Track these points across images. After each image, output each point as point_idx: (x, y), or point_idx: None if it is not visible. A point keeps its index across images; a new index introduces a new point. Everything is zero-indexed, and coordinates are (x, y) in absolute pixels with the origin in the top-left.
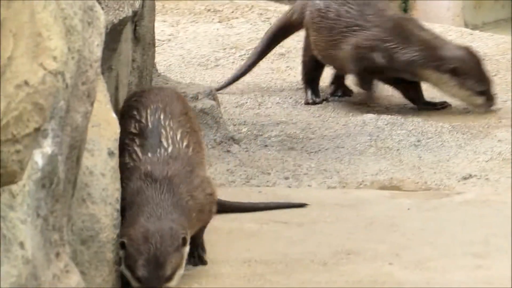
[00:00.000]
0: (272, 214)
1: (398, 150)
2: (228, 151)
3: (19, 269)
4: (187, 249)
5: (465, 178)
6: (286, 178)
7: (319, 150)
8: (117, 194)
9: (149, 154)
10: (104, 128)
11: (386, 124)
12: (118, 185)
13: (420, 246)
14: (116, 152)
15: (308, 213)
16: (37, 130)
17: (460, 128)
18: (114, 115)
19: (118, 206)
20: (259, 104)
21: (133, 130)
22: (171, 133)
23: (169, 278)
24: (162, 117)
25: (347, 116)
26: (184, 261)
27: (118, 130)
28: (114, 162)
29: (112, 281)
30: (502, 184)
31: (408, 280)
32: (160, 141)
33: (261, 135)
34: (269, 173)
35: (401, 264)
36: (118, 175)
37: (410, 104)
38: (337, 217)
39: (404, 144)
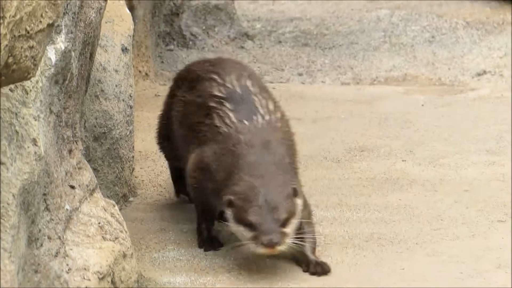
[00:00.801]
0: (286, 110)
1: (412, 46)
2: (242, 47)
3: (32, 166)
4: (299, 201)
5: (479, 74)
6: (300, 75)
7: (333, 46)
8: (130, 91)
9: (246, 121)
10: (118, 24)
11: (400, 20)
12: (131, 81)
13: (434, 142)
14: (130, 48)
15: (322, 110)
16: (50, 25)
17: (475, 24)
18: (127, 11)
19: (131, 103)
20: (273, 0)
21: (218, 93)
22: (263, 101)
23: (284, 223)
24: (249, 84)
25: (361, 12)
26: (298, 212)
27: (132, 27)
28: (128, 58)
29: (124, 178)
30: None
31: (421, 176)
32: (256, 108)
33: (275, 31)
34: (283, 70)
35: (414, 160)
36: (131, 71)
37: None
38: (351, 114)
39: (418, 40)
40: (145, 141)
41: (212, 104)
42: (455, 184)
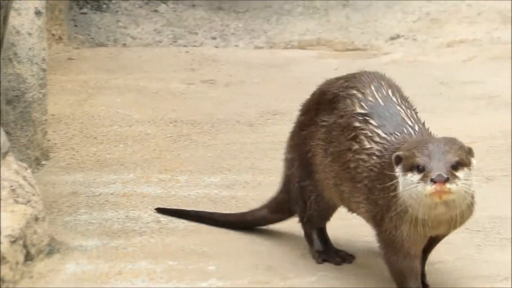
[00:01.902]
0: (200, 73)
1: (325, 9)
2: (156, 10)
3: None
4: (474, 162)
5: (392, 38)
6: (214, 38)
7: (247, 10)
8: (44, 54)
9: (397, 135)
10: None
11: None
12: (44, 44)
13: None
14: (43, 11)
15: (235, 74)
16: None
17: None
18: None
19: (44, 66)
20: None
21: (360, 110)
22: (408, 111)
23: (455, 166)
24: (390, 92)
25: None
26: (472, 165)
27: None
28: (41, 21)
29: (37, 141)
30: (429, 44)
31: None
32: (403, 119)
33: None
34: (196, 33)
35: None
36: (44, 34)
37: None
38: (264, 78)
39: (332, 4)
40: (57, 104)
41: (356, 124)
42: None
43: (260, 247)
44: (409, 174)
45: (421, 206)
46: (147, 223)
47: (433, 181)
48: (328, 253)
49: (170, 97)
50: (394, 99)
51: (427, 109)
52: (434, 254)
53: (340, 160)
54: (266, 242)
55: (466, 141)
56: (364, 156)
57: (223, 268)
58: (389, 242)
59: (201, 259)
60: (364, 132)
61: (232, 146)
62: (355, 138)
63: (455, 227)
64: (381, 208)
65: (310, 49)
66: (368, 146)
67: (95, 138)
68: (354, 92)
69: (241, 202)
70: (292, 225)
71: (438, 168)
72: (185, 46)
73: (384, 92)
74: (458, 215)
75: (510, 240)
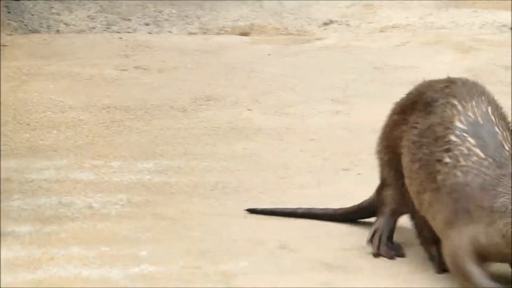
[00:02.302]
0: (133, 59)
1: None
2: None
3: None
4: None
5: (326, 24)
6: (147, 25)
7: None
8: None
9: (495, 158)
10: None
11: None
12: None
13: (280, 91)
14: None
15: (168, 59)
16: None
17: None
18: None
19: None
20: None
21: (459, 124)
22: (505, 133)
23: None
24: (490, 112)
25: None
26: None
27: None
28: None
29: None
30: (362, 30)
31: (267, 125)
32: (501, 142)
33: None
34: (129, 20)
35: (260, 109)
36: None
37: None
38: (198, 63)
39: None
40: None
41: (453, 138)
42: (301, 133)
43: (193, 232)
44: None
45: None
46: (80, 209)
47: None
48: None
49: (104, 83)
50: (493, 118)
51: (360, 95)
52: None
53: (428, 169)
54: (200, 228)
55: None
56: (458, 172)
57: (155, 254)
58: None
59: (133, 244)
60: (460, 148)
61: (166, 131)
62: (448, 151)
63: None
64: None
65: (244, 35)
66: (464, 163)
67: (28, 124)
68: (455, 102)
69: (175, 187)
70: (225, 211)
71: None
72: (118, 32)
73: (484, 109)
74: None
75: None
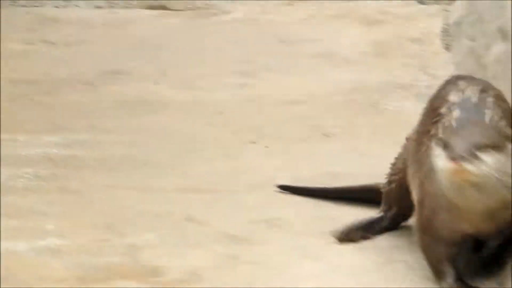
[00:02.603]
0: (40, 33)
1: None
2: None
3: None
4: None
5: None
6: None
7: None
8: None
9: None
10: None
11: None
12: None
13: (187, 65)
14: None
15: (75, 33)
16: None
17: None
18: None
19: None
20: None
21: (453, 98)
22: (495, 117)
23: (480, 147)
24: (489, 100)
25: None
26: (507, 159)
27: None
28: None
29: None
30: (269, 3)
31: (175, 98)
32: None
33: None
34: None
35: (168, 83)
36: None
37: None
38: (105, 38)
39: None
40: None
41: (443, 110)
42: (208, 106)
43: (100, 205)
44: (441, 154)
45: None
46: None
47: (451, 158)
48: None
49: (9, 57)
50: (489, 103)
51: (267, 68)
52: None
53: (418, 142)
54: (107, 201)
55: (305, 99)
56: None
57: (62, 227)
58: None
59: (40, 218)
60: (443, 120)
61: (72, 106)
62: (435, 123)
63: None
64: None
65: (151, 8)
66: (440, 136)
67: None
68: (460, 82)
69: (81, 161)
70: (132, 184)
71: (456, 146)
72: (24, 6)
73: (485, 95)
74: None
75: None
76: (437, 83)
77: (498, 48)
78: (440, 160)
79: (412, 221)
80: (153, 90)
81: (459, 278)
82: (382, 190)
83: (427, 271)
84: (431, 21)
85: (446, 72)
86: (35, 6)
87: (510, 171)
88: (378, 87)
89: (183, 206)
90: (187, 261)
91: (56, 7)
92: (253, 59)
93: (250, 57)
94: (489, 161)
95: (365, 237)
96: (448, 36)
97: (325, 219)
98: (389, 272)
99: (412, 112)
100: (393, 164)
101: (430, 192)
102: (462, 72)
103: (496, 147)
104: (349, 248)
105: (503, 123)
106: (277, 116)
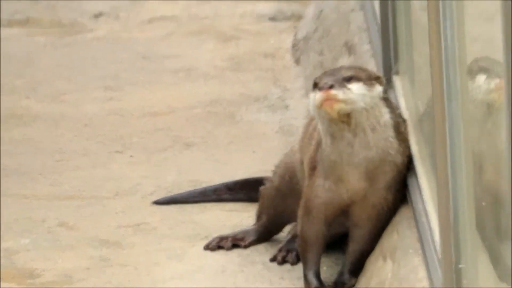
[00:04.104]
0: None
1: None
2: None
3: None
4: (379, 88)
5: (96, 16)
6: None
7: None
8: None
9: None
10: None
11: None
12: None
13: (56, 80)
14: None
15: None
16: None
17: None
18: None
19: None
20: None
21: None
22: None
23: (348, 79)
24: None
25: None
26: (374, 92)
27: None
28: None
29: None
30: (131, 21)
31: (43, 112)
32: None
33: None
34: None
35: (37, 97)
36: None
37: None
38: None
39: None
40: None
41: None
42: (76, 119)
43: (32, 214)
44: (311, 94)
45: (322, 124)
46: None
47: (320, 89)
48: None
49: None
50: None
51: (130, 82)
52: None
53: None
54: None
55: (167, 111)
56: None
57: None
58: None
59: None
60: None
61: None
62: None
63: (374, 186)
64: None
65: (20, 27)
66: None
67: None
68: None
69: None
70: (6, 192)
71: (327, 79)
72: None
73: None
74: (375, 159)
75: None
76: (288, 95)
77: (344, 61)
78: (312, 98)
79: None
80: (23, 104)
81: (318, 274)
82: (260, 189)
83: (284, 272)
84: (282, 37)
85: (296, 84)
86: None
87: (381, 108)
88: (234, 100)
89: (55, 212)
90: (60, 263)
91: None
92: (117, 74)
93: (115, 73)
94: (354, 89)
95: (235, 246)
96: (298, 51)
97: (188, 223)
98: (250, 272)
99: (265, 122)
100: (277, 166)
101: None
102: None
103: (360, 79)
104: (212, 251)
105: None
106: (141, 127)
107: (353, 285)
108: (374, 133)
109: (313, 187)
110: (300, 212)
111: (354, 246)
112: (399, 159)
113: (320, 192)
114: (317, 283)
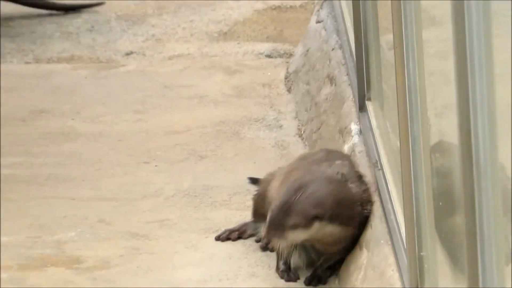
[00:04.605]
0: None
1: (77, 33)
2: None
3: None
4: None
5: (127, 54)
6: None
7: (18, 35)
8: None
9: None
10: None
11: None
12: None
13: (95, 105)
14: None
15: (11, 83)
16: None
17: (123, 16)
18: None
19: None
20: None
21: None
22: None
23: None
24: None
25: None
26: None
27: None
28: None
29: None
30: (155, 58)
31: (87, 131)
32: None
33: None
34: None
35: (81, 119)
36: None
37: None
38: (32, 85)
39: (81, 29)
40: None
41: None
42: (111, 136)
43: (33, 211)
44: None
45: None
46: None
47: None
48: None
49: None
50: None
51: (154, 107)
52: (162, 215)
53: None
54: (38, 208)
55: (184, 130)
56: None
57: (6, 228)
58: None
59: None
60: None
61: (10, 137)
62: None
63: None
64: None
65: (66, 63)
66: None
67: None
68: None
69: (18, 178)
70: (57, 194)
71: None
72: None
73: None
74: None
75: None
76: (282, 117)
77: (327, 90)
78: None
79: None
80: (70, 124)
81: (288, 267)
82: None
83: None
84: (277, 70)
85: (288, 108)
86: None
87: None
88: (238, 120)
89: (95, 211)
90: (100, 252)
91: None
92: (144, 100)
93: (142, 99)
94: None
95: (240, 238)
96: (289, 81)
97: (202, 219)
98: (252, 259)
99: (263, 138)
100: (260, 182)
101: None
102: (301, 108)
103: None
104: (221, 242)
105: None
106: (163, 143)
107: (327, 278)
108: None
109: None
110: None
111: (326, 257)
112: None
113: None
114: (284, 268)
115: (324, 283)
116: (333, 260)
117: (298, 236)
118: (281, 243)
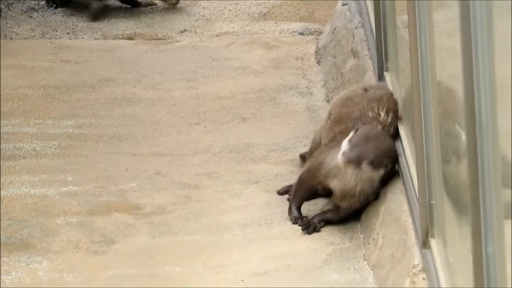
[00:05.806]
0: (60, 56)
1: (138, 13)
2: (31, 16)
3: None
4: None
5: (181, 32)
6: (68, 33)
7: (89, 15)
8: None
9: None
10: None
11: None
12: None
13: (154, 75)
14: None
15: (82, 56)
16: None
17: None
18: None
19: None
20: None
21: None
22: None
23: None
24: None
25: None
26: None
27: None
28: None
29: None
30: (205, 35)
31: (146, 96)
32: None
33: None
34: (57, 30)
35: (141, 86)
36: None
37: None
38: (100, 58)
39: (143, 10)
40: None
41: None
42: (167, 101)
43: (100, 165)
44: None
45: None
46: (28, 151)
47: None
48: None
49: (41, 71)
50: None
51: (204, 76)
52: (210, 168)
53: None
54: (104, 162)
55: (229, 96)
56: None
57: (76, 179)
58: None
59: (62, 173)
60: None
61: (81, 101)
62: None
63: None
64: None
65: (129, 39)
66: None
67: None
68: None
69: (87, 136)
70: (120, 151)
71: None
72: (50, 39)
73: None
74: None
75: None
76: (312, 85)
77: (351, 62)
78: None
79: None
80: (132, 91)
81: (299, 208)
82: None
83: (311, 205)
84: (308, 46)
85: (318, 78)
86: (56, 38)
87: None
88: (275, 88)
89: (153, 165)
90: (157, 199)
91: (70, 38)
92: (195, 70)
93: (194, 69)
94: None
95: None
96: (319, 55)
97: (244, 172)
98: (286, 207)
99: (297, 103)
100: (312, 140)
101: (325, 158)
102: (329, 78)
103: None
104: (260, 191)
105: None
106: (211, 107)
107: (319, 228)
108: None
109: (321, 154)
110: (306, 164)
111: (333, 211)
112: None
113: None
114: (296, 214)
115: (318, 231)
116: (330, 216)
117: (369, 175)
118: (354, 173)
